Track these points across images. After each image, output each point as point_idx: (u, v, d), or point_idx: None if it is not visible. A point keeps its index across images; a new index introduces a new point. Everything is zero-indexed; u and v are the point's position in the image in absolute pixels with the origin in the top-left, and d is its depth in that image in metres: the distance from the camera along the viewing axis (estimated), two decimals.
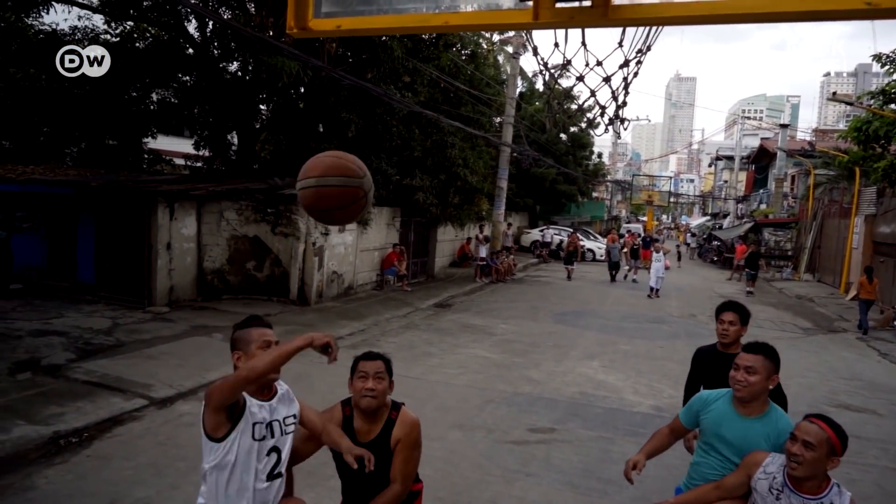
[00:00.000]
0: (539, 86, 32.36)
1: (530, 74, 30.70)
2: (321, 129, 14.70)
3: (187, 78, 15.14)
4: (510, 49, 22.38)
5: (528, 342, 10.59)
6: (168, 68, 14.17)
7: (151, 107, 15.74)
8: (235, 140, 15.51)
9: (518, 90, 23.98)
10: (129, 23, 14.59)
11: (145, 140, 16.10)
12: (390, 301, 13.76)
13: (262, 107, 15.62)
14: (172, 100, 15.86)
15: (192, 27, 14.03)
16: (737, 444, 2.68)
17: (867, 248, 18.93)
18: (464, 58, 18.64)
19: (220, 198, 12.09)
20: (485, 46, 21.16)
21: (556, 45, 1.79)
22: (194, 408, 6.43)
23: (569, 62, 1.74)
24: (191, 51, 14.20)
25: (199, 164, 16.67)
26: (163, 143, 17.78)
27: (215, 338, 9.20)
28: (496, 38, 22.59)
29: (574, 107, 27.04)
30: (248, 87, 14.07)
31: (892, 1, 1.30)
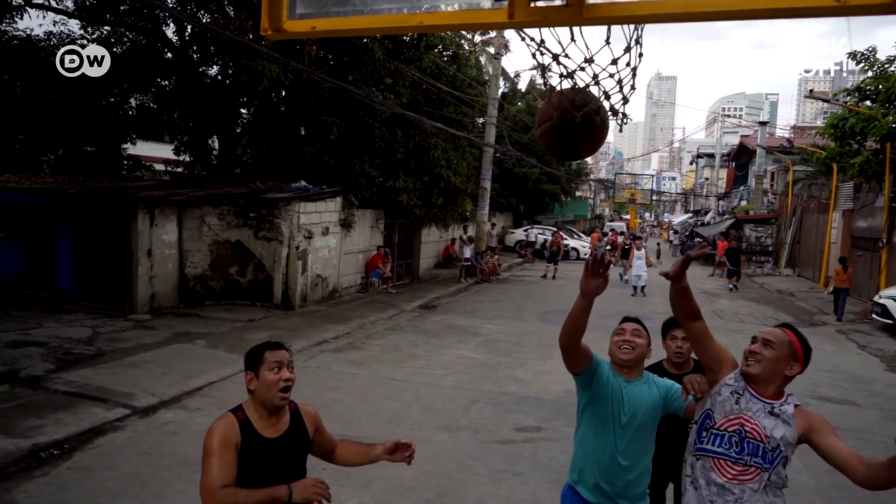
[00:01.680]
0: (522, 86, 32.48)
1: (512, 75, 30.83)
2: (303, 133, 14.63)
3: (166, 82, 15.01)
4: (492, 50, 22.45)
5: (513, 342, 10.61)
6: (146, 73, 14.02)
7: (130, 112, 15.56)
8: (216, 145, 15.38)
9: (500, 91, 24.06)
10: (106, 27, 14.43)
11: (124, 146, 15.90)
12: (375, 303, 13.72)
13: (242, 111, 15.51)
14: (151, 105, 15.70)
15: (170, 31, 13.90)
16: (629, 406, 2.74)
17: (845, 242, 19.23)
18: (445, 59, 18.65)
19: (201, 203, 11.97)
20: (466, 48, 21.20)
21: (542, 42, 1.79)
22: (177, 416, 6.36)
23: (556, 57, 1.73)
24: (169, 55, 14.08)
25: (179, 170, 16.51)
26: (142, 148, 17.58)
27: (198, 344, 9.10)
28: (478, 38, 22.66)
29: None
30: (228, 90, 13.98)
31: None
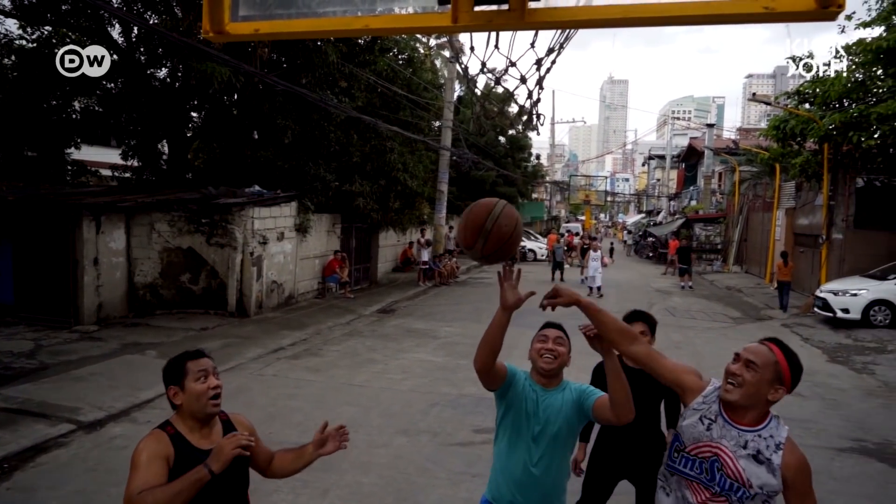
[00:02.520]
0: (478, 90, 32.71)
1: (467, 78, 30.98)
2: (256, 137, 14.38)
3: (112, 85, 14.51)
4: (447, 53, 22.55)
5: (471, 344, 10.60)
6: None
7: (74, 116, 14.99)
8: (166, 149, 14.97)
9: (456, 94, 24.16)
10: (47, 28, 13.87)
11: (68, 151, 15.31)
12: (333, 309, 13.58)
13: (193, 114, 15.14)
14: (97, 108, 15.16)
15: (115, 32, 13.47)
16: (543, 415, 2.63)
17: (788, 239, 20.01)
18: (401, 62, 18.64)
19: (150, 209, 11.64)
20: (422, 51, 21.24)
21: (472, 48, 1.82)
22: (126, 430, 6.16)
23: (484, 65, 1.77)
24: (115, 57, 13.61)
25: (127, 175, 16.01)
26: (88, 153, 16.96)
27: (149, 355, 8.84)
28: (433, 42, 22.74)
29: (506, 108, 27.44)
30: (177, 93, 13.62)
31: (786, 5, 1.38)
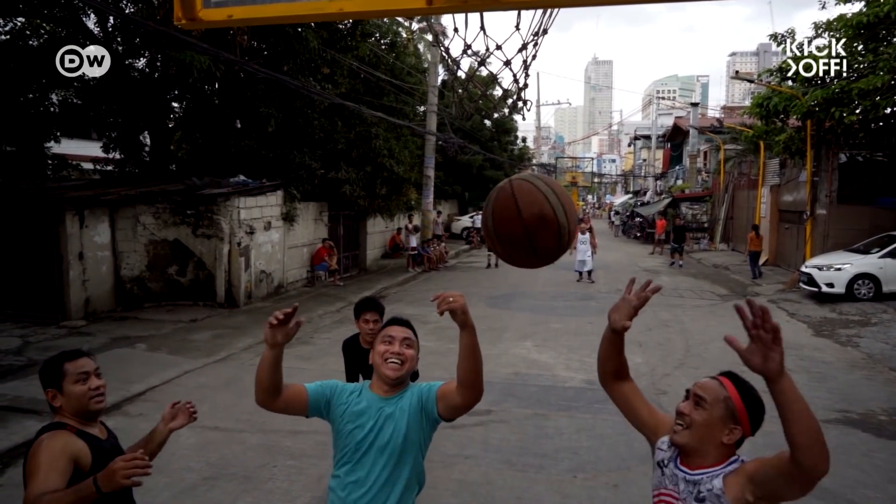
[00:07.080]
0: (461, 72, 32.57)
1: (450, 62, 30.82)
2: (239, 126, 14.25)
3: (89, 77, 14.29)
4: (429, 37, 22.36)
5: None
6: None
7: (52, 109, 14.75)
8: (148, 140, 14.80)
9: (440, 78, 24.01)
10: (20, 19, 13.60)
11: (48, 144, 15.08)
12: (322, 297, 13.57)
13: (174, 104, 14.96)
14: (75, 100, 14.93)
15: (90, 22, 13.24)
16: (378, 430, 2.29)
17: (773, 216, 20.17)
18: (384, 47, 18.48)
19: (134, 202, 11.54)
20: (404, 35, 21.05)
21: (455, 30, 1.81)
22: (118, 423, 6.13)
23: (468, 46, 1.76)
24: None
25: (110, 168, 15.82)
26: (68, 146, 16.72)
27: (139, 348, 8.81)
28: (415, 26, 22.51)
29: (488, 92, 27.26)
30: (157, 84, 13.44)
31: None
